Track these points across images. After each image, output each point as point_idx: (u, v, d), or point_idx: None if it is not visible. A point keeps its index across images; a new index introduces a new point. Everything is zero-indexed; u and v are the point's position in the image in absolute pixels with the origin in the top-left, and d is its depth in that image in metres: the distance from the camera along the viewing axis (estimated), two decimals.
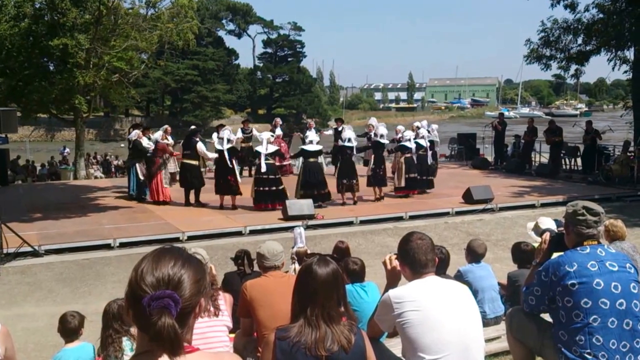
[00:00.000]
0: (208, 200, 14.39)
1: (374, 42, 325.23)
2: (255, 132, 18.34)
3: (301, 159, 14.78)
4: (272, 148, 13.73)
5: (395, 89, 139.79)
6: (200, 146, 14.22)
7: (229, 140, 13.86)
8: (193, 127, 15.96)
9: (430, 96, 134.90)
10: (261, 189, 13.55)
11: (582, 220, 3.60)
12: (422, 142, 15.47)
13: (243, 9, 79.36)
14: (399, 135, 15.77)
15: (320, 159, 14.95)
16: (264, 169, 13.40)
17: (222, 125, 16.39)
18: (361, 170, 15.94)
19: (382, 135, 15.00)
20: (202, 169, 16.00)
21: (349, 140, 14.37)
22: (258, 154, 13.62)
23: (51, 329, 5.14)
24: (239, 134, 17.29)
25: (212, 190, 14.11)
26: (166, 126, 15.79)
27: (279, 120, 18.98)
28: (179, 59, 56.75)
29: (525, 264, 6.01)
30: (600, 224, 3.65)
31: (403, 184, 14.98)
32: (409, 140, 15.01)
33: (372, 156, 14.98)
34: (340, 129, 17.56)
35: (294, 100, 76.10)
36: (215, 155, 13.98)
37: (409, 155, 14.87)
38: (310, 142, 14.03)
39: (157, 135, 15.23)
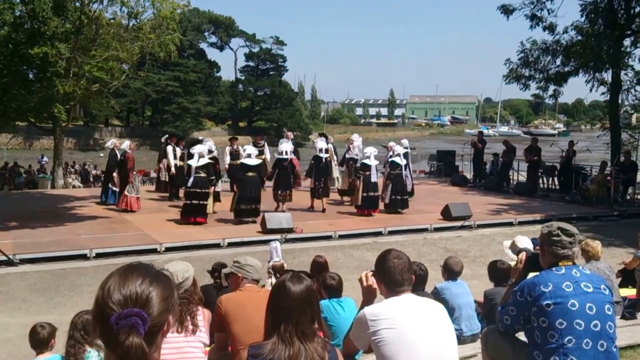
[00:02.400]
0: None
1: (355, 58, 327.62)
2: (266, 146, 18.49)
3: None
4: (204, 161, 13.58)
5: (376, 104, 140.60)
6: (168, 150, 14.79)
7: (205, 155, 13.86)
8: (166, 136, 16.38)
9: (411, 113, 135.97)
10: (189, 202, 13.46)
11: (557, 241, 3.63)
12: (397, 160, 15.35)
13: (225, 22, 79.54)
14: (390, 152, 16.13)
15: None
16: (190, 182, 13.36)
17: (234, 138, 16.78)
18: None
19: (320, 150, 15.41)
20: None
21: (285, 152, 14.88)
22: (189, 167, 13.65)
23: (24, 340, 5.09)
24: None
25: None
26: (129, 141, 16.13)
27: (290, 134, 18.98)
28: (160, 70, 56.64)
29: (502, 283, 6.05)
30: (575, 245, 3.68)
31: (359, 202, 14.86)
32: (369, 157, 14.88)
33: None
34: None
35: (275, 114, 76.18)
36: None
37: (367, 173, 14.68)
38: (249, 155, 13.91)
39: (125, 145, 15.59)
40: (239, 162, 15.00)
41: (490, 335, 4.06)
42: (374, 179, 14.84)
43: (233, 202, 13.75)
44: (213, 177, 13.75)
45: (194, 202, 13.34)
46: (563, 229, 3.67)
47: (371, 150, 15.15)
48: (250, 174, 13.54)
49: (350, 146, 16.84)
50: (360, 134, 20.09)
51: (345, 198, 16.63)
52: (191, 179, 13.33)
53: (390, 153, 15.87)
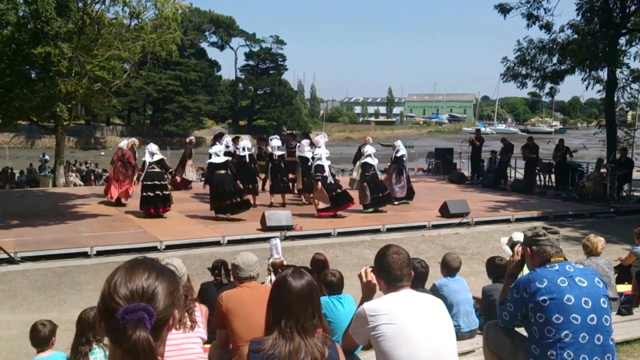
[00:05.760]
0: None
1: (354, 56, 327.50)
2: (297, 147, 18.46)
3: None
4: (157, 157, 14.47)
5: (374, 103, 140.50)
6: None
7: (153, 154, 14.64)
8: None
9: (409, 111, 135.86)
10: (145, 194, 14.19)
11: (545, 240, 3.70)
12: (369, 160, 15.10)
13: (226, 21, 79.67)
14: (395, 150, 16.47)
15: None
16: (144, 176, 14.25)
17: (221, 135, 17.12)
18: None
19: (273, 147, 15.97)
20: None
21: (244, 149, 15.70)
22: (144, 162, 14.47)
23: (25, 337, 5.08)
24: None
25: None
26: (134, 139, 16.40)
27: (369, 139, 18.87)
28: (161, 69, 56.65)
29: (500, 279, 6.09)
30: (560, 242, 3.76)
31: (322, 205, 14.36)
32: (320, 159, 14.50)
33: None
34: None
35: (274, 112, 76.45)
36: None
37: (372, 172, 14.54)
38: (216, 154, 14.08)
39: (122, 143, 16.34)
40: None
41: (492, 329, 4.10)
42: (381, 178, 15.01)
43: (211, 202, 14.04)
44: (170, 169, 14.63)
45: (150, 193, 14.15)
46: (547, 227, 3.75)
47: (323, 152, 14.83)
48: (221, 171, 13.82)
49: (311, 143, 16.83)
50: (359, 132, 20.16)
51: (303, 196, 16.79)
52: (144, 174, 14.28)
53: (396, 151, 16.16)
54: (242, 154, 15.63)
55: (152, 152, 14.58)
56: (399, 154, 16.58)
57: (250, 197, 14.72)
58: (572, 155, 20.53)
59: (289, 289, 2.77)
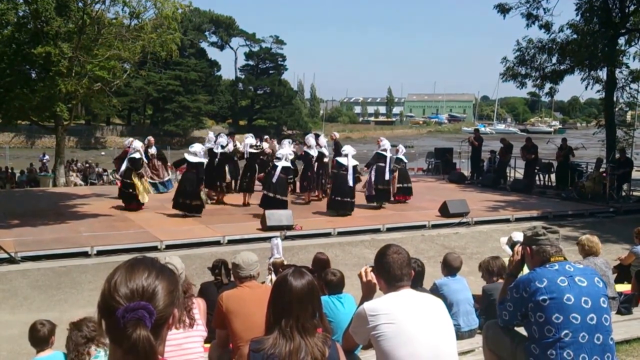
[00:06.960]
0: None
1: (354, 56, 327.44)
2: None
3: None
4: (135, 155, 14.84)
5: (374, 103, 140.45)
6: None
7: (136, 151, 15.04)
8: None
9: (409, 111, 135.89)
10: (122, 190, 15.09)
11: (545, 239, 3.71)
12: (342, 160, 14.74)
13: (226, 21, 79.72)
14: (380, 148, 16.05)
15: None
16: (126, 174, 14.77)
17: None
18: None
19: (245, 145, 16.05)
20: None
21: (222, 147, 15.96)
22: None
23: (25, 337, 5.05)
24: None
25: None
26: (149, 137, 16.44)
27: (335, 134, 18.78)
28: (161, 69, 56.65)
29: (492, 278, 6.14)
30: (559, 241, 3.76)
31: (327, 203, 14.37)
32: (279, 158, 14.24)
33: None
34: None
35: (274, 112, 76.51)
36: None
37: (343, 172, 14.16)
38: (195, 154, 14.14)
39: (128, 141, 16.64)
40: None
41: (491, 328, 4.11)
42: (350, 183, 14.40)
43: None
44: (140, 170, 15.04)
45: (125, 190, 14.93)
46: (546, 227, 3.75)
47: (349, 150, 14.64)
48: (193, 171, 13.99)
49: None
50: (358, 132, 19.97)
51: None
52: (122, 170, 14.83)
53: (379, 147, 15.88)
54: (215, 150, 15.80)
55: (136, 149, 14.87)
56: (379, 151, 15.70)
57: (202, 200, 14.60)
58: (574, 155, 20.59)
59: (289, 288, 2.78)
